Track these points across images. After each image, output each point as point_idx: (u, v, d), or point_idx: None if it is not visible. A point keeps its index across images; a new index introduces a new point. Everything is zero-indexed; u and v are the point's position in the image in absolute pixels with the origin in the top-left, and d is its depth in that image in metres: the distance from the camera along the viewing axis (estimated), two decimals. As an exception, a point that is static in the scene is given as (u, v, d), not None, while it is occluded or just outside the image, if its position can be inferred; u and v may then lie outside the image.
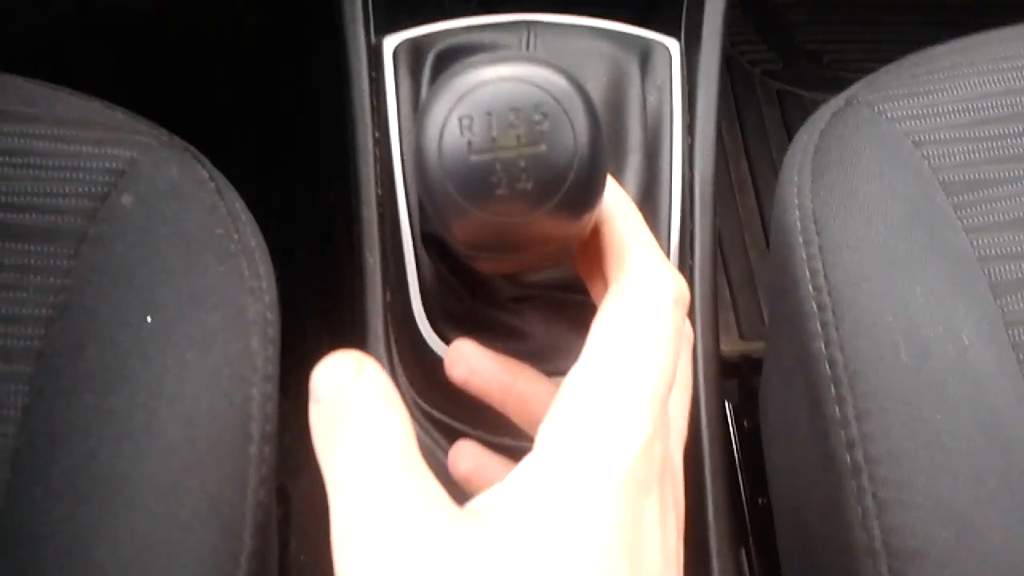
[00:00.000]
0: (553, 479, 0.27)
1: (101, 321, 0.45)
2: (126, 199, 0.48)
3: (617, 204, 0.33)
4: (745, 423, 0.76)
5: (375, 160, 0.60)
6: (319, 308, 0.80)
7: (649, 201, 0.59)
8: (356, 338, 0.58)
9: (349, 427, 0.29)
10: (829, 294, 0.48)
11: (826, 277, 0.48)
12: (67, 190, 0.49)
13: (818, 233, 0.50)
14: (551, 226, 0.29)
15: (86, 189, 0.49)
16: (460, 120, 0.28)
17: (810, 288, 0.49)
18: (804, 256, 0.50)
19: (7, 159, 0.49)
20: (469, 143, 0.28)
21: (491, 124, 0.28)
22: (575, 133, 0.28)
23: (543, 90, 0.28)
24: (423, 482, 0.28)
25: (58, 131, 0.50)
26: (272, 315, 0.45)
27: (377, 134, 0.60)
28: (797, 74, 1.16)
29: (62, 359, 0.45)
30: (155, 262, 0.46)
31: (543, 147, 0.28)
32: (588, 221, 0.31)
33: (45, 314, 0.47)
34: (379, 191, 0.60)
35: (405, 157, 0.58)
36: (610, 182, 0.32)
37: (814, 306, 0.48)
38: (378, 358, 0.57)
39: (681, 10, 0.64)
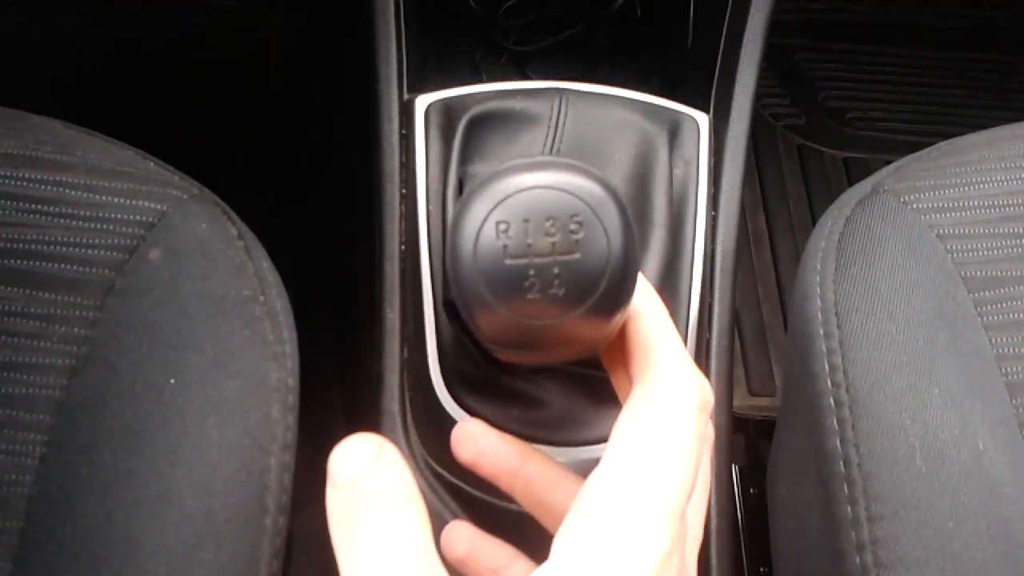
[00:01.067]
0: None
1: (123, 378, 0.45)
2: (154, 253, 0.49)
3: (644, 300, 0.34)
4: (752, 490, 0.76)
5: (400, 216, 0.60)
6: (335, 360, 0.81)
7: (670, 273, 0.59)
8: (370, 392, 0.59)
9: (366, 522, 0.29)
10: (847, 391, 0.48)
11: (845, 373, 0.49)
12: (96, 241, 0.49)
13: (839, 327, 0.50)
14: (579, 329, 0.29)
15: (115, 241, 0.49)
16: (497, 224, 0.28)
17: (828, 383, 0.49)
18: (824, 349, 0.50)
19: (39, 207, 0.49)
20: (505, 247, 0.28)
21: (527, 231, 0.28)
22: (609, 242, 0.29)
23: (579, 199, 0.29)
24: None
25: (90, 181, 0.50)
26: (293, 381, 0.46)
27: (404, 190, 0.60)
28: (819, 130, 1.16)
29: (83, 412, 0.46)
30: (180, 322, 0.46)
31: (577, 255, 0.28)
32: (616, 324, 0.31)
33: (68, 364, 0.47)
34: (403, 247, 0.60)
35: (431, 216, 0.58)
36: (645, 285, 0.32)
37: (831, 401, 0.48)
38: (391, 415, 0.58)
39: (712, 84, 0.65)
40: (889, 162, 1.15)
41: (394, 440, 0.56)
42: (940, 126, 1.18)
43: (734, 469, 0.78)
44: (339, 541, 0.29)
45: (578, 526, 0.28)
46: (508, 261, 0.28)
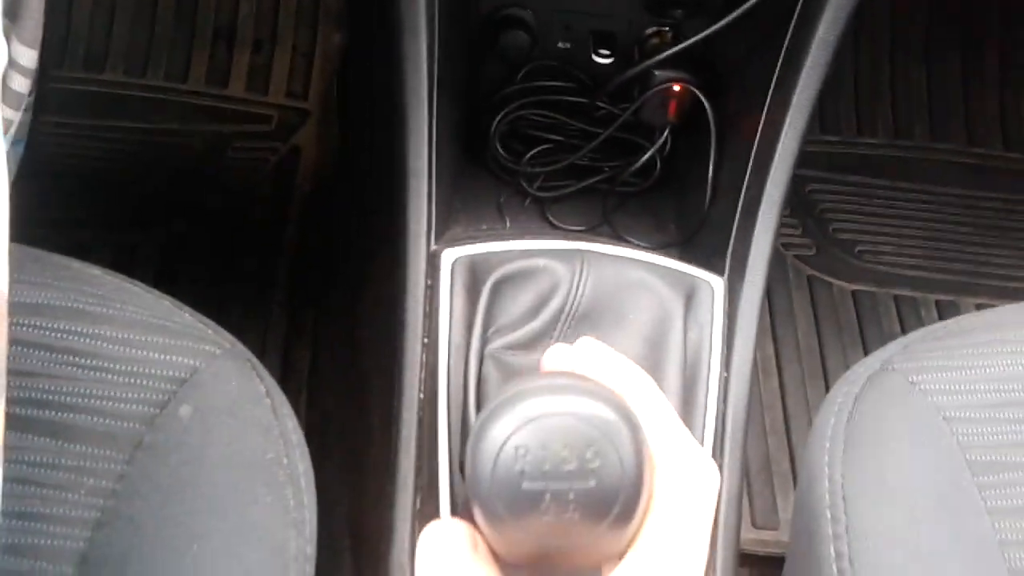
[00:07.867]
0: None
1: (146, 538, 0.47)
2: (184, 410, 0.50)
3: (641, 387, 0.34)
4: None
5: (421, 366, 0.62)
6: (347, 505, 0.81)
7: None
8: (381, 543, 0.60)
9: None
10: None
11: (851, 561, 0.50)
12: (129, 395, 0.51)
13: (846, 513, 0.51)
14: (591, 547, 0.31)
15: (147, 395, 0.51)
16: (516, 449, 0.30)
17: (835, 569, 0.50)
18: (831, 534, 0.51)
19: (76, 359, 0.51)
20: (522, 472, 0.30)
21: (545, 458, 0.30)
22: (623, 469, 0.30)
23: (595, 428, 0.30)
24: None
25: (127, 334, 0.52)
26: (311, 550, 0.47)
27: (426, 340, 0.62)
28: (829, 262, 1.18)
29: (105, 568, 0.47)
30: (206, 486, 0.47)
31: (592, 483, 0.30)
32: (627, 539, 0.32)
33: (94, 517, 0.48)
34: (421, 395, 0.62)
35: (452, 369, 0.60)
36: (637, 372, 0.34)
37: (838, 590, 0.49)
38: (402, 568, 0.58)
39: (727, 247, 0.67)
40: (896, 296, 1.18)
41: None
42: (947, 263, 1.21)
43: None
44: None
45: None
46: (526, 484, 0.30)
